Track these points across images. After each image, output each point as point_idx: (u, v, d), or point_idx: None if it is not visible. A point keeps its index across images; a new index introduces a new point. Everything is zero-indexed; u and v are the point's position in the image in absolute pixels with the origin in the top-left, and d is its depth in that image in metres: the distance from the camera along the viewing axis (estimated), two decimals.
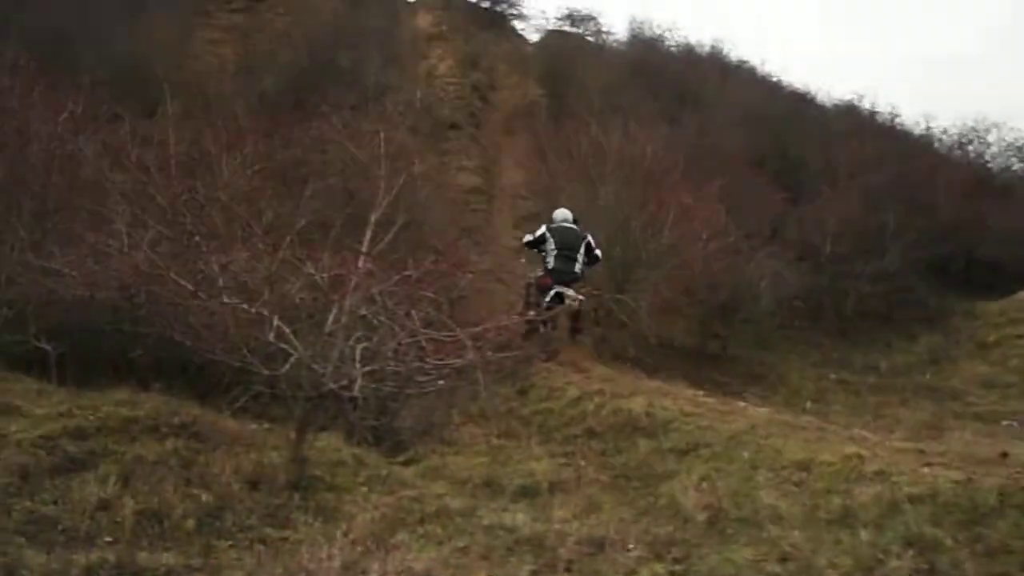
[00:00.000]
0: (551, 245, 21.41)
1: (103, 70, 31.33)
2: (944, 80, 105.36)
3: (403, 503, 12.02)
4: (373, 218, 14.22)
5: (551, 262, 21.38)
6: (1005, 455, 13.46)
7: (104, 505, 10.15)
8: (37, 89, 19.34)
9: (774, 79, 53.07)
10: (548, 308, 20.97)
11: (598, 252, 22.03)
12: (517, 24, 57.48)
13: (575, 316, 21.84)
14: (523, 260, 27.63)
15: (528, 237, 22.41)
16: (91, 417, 12.39)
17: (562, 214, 22.59)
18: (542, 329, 21.05)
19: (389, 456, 14.92)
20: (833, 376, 26.96)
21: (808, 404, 23.16)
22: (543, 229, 21.95)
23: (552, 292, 20.99)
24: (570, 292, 20.97)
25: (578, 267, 21.39)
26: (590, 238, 21.86)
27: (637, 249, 25.30)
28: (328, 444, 13.79)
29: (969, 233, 35.10)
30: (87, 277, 15.68)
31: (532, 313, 20.78)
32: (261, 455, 12.41)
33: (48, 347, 14.94)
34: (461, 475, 14.20)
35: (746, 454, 13.99)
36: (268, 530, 10.74)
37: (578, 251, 21.43)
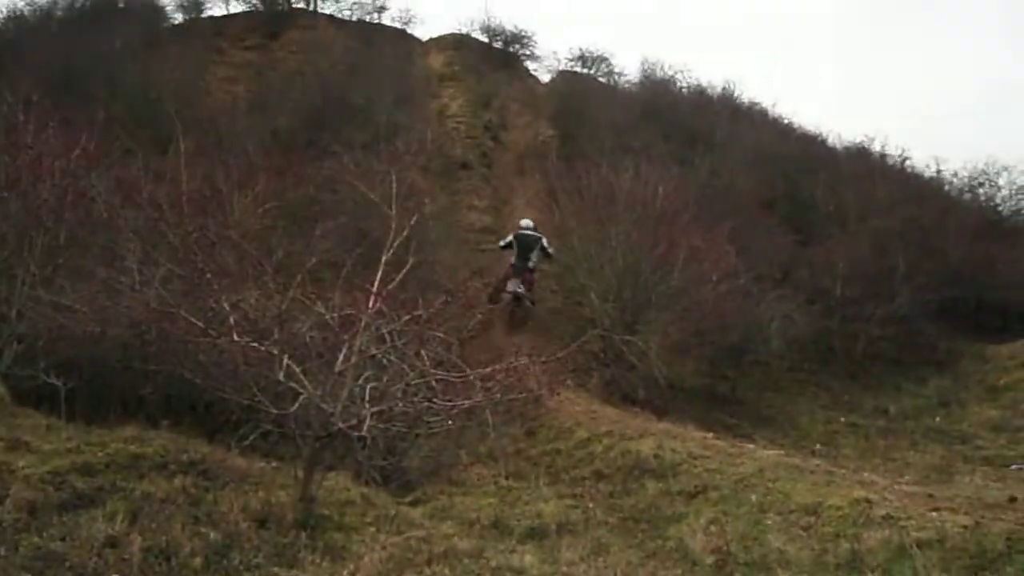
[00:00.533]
0: (514, 247, 28.64)
1: (117, 106, 31.48)
2: (951, 125, 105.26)
3: (411, 543, 12.01)
4: (384, 258, 14.22)
5: (512, 259, 28.54)
6: (1014, 499, 13.49)
7: (112, 542, 10.15)
8: (51, 125, 19.37)
9: (785, 121, 52.97)
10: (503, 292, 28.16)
11: (551, 250, 28.90)
12: (529, 64, 57.56)
13: (519, 299, 28.29)
14: (533, 300, 28.31)
15: (502, 243, 29.89)
16: (100, 453, 12.39)
17: (525, 223, 29.67)
18: (499, 300, 27.99)
19: (397, 496, 14.94)
20: (843, 419, 26.84)
21: (817, 447, 23.10)
22: (511, 236, 29.22)
23: (508, 282, 28.13)
24: (510, 286, 28.07)
25: (531, 263, 28.43)
26: (544, 241, 28.82)
27: (647, 290, 25.29)
28: (336, 483, 13.80)
29: (979, 276, 34.87)
30: (98, 313, 15.75)
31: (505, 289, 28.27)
32: (269, 494, 12.41)
33: (58, 382, 14.96)
34: (469, 516, 14.19)
35: (754, 497, 13.97)
36: (276, 569, 10.73)
37: (533, 251, 28.42)
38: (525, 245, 28.55)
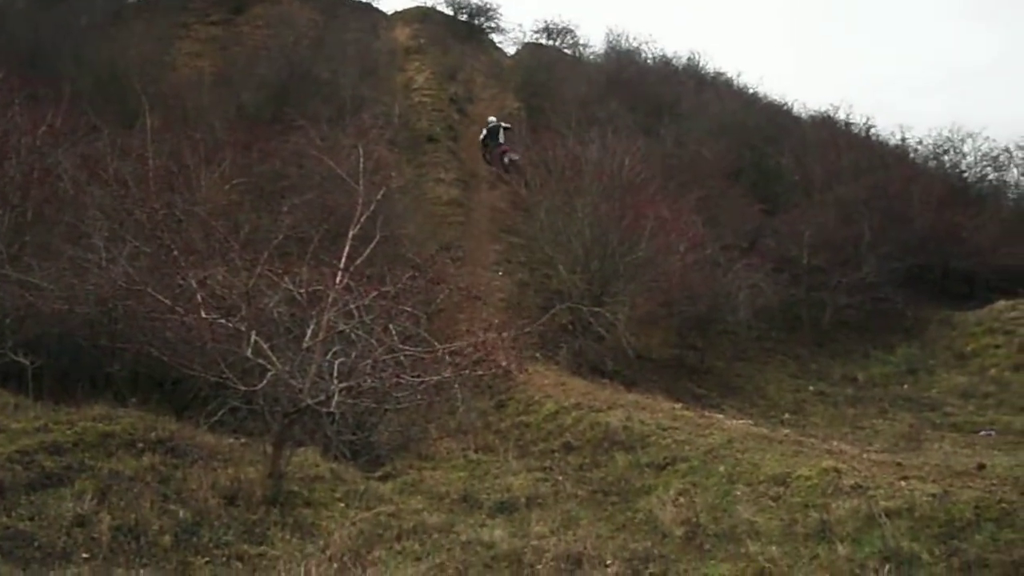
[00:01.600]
0: (487, 135, 38.43)
1: (83, 81, 31.29)
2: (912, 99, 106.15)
3: (381, 519, 12.02)
4: (351, 233, 14.19)
5: (488, 142, 38.31)
6: (982, 467, 13.53)
7: (80, 521, 10.14)
8: (17, 101, 19.29)
9: (750, 90, 53.01)
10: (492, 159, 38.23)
11: (511, 128, 38.38)
12: (495, 37, 57.55)
13: (510, 163, 36.49)
14: (501, 273, 28.16)
15: (480, 137, 39.11)
16: (68, 432, 12.37)
17: (491, 119, 39.11)
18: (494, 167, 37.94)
19: (366, 471, 14.90)
20: (811, 388, 26.94)
21: (786, 416, 23.18)
22: (484, 131, 38.68)
23: (497, 153, 37.75)
24: (507, 158, 36.76)
25: (500, 140, 37.70)
26: (503, 124, 38.45)
27: (615, 261, 25.28)
28: (305, 459, 13.78)
29: (945, 244, 35.01)
30: (65, 291, 15.65)
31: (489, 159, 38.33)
32: (238, 470, 12.41)
33: (25, 361, 14.87)
34: (439, 490, 14.18)
35: (723, 468, 13.99)
36: (245, 546, 10.74)
37: (498, 134, 37.85)
38: (494, 131, 38.05)
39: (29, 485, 10.77)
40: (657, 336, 27.68)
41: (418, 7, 56.11)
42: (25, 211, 17.70)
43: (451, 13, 56.07)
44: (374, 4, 56.99)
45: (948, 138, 44.67)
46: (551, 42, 56.82)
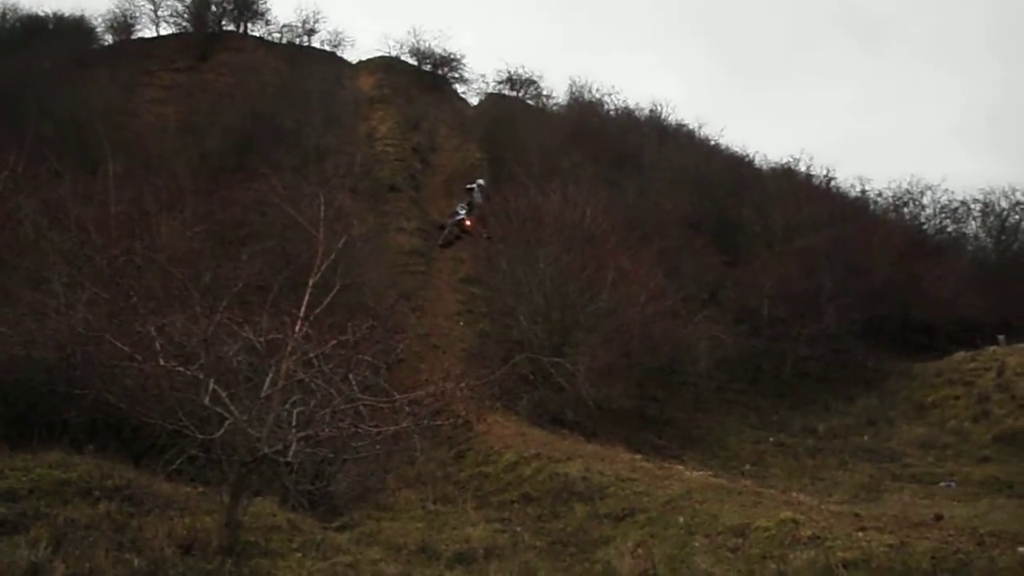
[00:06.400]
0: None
1: (45, 126, 31.21)
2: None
3: (338, 569, 11.93)
4: (311, 281, 14.13)
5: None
6: (939, 518, 13.62)
7: (34, 569, 10.02)
8: None
9: (712, 142, 53.33)
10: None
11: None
12: (458, 87, 57.92)
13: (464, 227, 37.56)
14: (462, 322, 28.25)
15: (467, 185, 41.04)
16: (23, 479, 12.25)
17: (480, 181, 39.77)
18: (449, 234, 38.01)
19: (324, 521, 14.81)
20: (772, 439, 26.98)
21: (747, 467, 23.21)
22: (474, 184, 39.75)
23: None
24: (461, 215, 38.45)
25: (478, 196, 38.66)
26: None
27: (575, 312, 25.36)
28: (263, 508, 13.67)
29: (904, 295, 35.32)
30: (23, 336, 15.55)
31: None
32: (195, 519, 12.28)
33: None
34: (396, 541, 14.10)
35: (682, 519, 14.00)
36: None
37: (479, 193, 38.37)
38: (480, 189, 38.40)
39: None
40: (617, 387, 27.60)
41: (382, 57, 56.39)
42: None
43: (415, 63, 56.40)
44: (338, 53, 57.26)
45: (908, 191, 45.21)
46: (514, 92, 57.08)
